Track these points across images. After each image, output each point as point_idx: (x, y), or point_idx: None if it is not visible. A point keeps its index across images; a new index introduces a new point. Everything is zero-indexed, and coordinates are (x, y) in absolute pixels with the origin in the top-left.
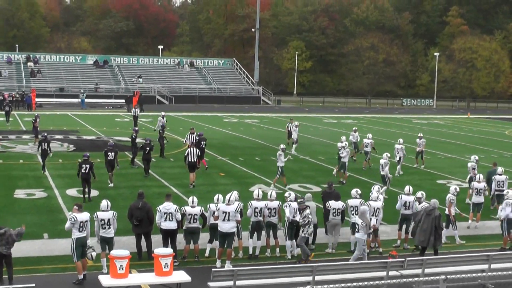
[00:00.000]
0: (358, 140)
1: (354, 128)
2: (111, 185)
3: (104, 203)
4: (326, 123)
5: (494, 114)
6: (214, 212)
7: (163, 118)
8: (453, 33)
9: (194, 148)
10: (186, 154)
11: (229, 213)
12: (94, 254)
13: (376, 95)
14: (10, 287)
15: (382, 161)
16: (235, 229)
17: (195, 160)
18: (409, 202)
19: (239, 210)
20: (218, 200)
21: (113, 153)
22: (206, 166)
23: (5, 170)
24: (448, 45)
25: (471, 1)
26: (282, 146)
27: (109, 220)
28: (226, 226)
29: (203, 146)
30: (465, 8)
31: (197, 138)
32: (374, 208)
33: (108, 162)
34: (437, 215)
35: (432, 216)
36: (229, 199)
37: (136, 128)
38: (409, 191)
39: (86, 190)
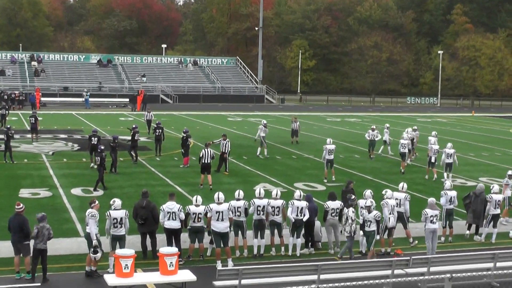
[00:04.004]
0: (377, 139)
1: (372, 126)
2: (95, 166)
3: (118, 202)
4: (330, 122)
5: (498, 112)
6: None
7: (265, 127)
8: (456, 31)
9: (209, 149)
10: (201, 156)
11: (222, 212)
12: (99, 255)
13: (380, 94)
14: (15, 286)
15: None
16: (228, 229)
17: (209, 162)
18: (453, 197)
19: (244, 209)
20: (196, 201)
21: (96, 138)
22: (188, 164)
23: (10, 169)
24: (452, 43)
25: (474, 0)
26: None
27: (121, 219)
28: (220, 226)
29: (189, 144)
30: (469, 6)
31: (184, 135)
32: (391, 206)
33: (91, 146)
34: (484, 197)
35: (481, 198)
36: (218, 197)
37: (134, 126)
38: (450, 186)
39: (95, 159)
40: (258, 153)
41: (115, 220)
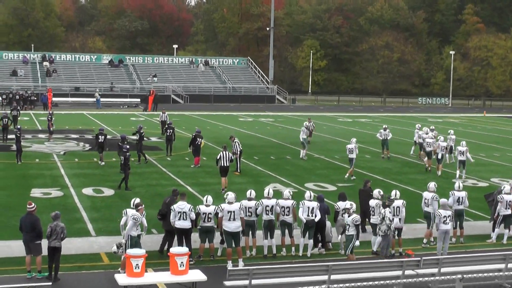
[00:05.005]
0: (389, 138)
1: (384, 126)
2: (102, 163)
3: (138, 200)
4: (341, 122)
5: (510, 113)
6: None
7: (307, 128)
8: (468, 31)
9: (227, 152)
10: (218, 158)
11: (234, 212)
12: (119, 251)
13: (391, 94)
14: (27, 285)
15: (350, 146)
16: (240, 228)
17: (228, 165)
18: (462, 197)
19: (255, 209)
20: (207, 201)
21: (103, 136)
22: (199, 164)
23: (21, 169)
24: (463, 43)
25: (485, 0)
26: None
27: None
28: (232, 226)
29: (199, 143)
30: (480, 6)
31: (194, 134)
32: (394, 208)
33: (98, 144)
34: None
35: None
36: (227, 197)
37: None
38: (459, 187)
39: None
40: (301, 155)
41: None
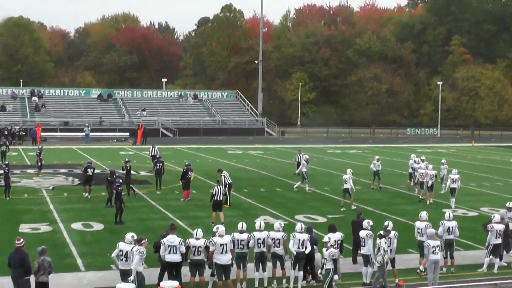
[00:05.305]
0: (380, 169)
1: (376, 157)
2: (89, 196)
3: (129, 236)
4: (330, 154)
5: (499, 142)
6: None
7: (307, 162)
8: (455, 62)
9: (221, 186)
10: (214, 193)
11: (226, 244)
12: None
13: (380, 125)
14: None
15: (345, 176)
16: (231, 261)
17: (222, 199)
18: (452, 227)
19: (247, 242)
20: (197, 234)
21: (91, 170)
22: (189, 198)
23: (10, 204)
24: (451, 74)
25: (472, 31)
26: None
27: (127, 252)
28: (224, 258)
29: (189, 177)
30: (466, 37)
31: (185, 168)
32: (387, 238)
33: (86, 177)
34: (505, 224)
35: (503, 223)
36: (218, 231)
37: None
38: (449, 217)
39: (87, 188)
40: (307, 189)
41: (121, 252)
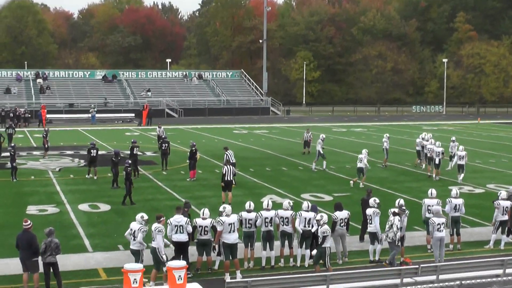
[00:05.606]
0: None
1: (386, 135)
2: (95, 177)
3: (138, 216)
4: (336, 132)
5: (504, 119)
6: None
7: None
8: (460, 39)
9: (231, 166)
10: (224, 172)
11: (233, 223)
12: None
13: (385, 103)
14: None
15: (361, 156)
16: (238, 240)
17: (232, 179)
18: (459, 205)
19: (255, 221)
20: (203, 214)
21: (95, 151)
22: (194, 178)
23: (17, 186)
24: (456, 51)
25: (477, 7)
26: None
27: (134, 231)
28: (232, 237)
29: (196, 157)
30: (471, 14)
31: (193, 148)
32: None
33: (90, 158)
34: None
35: (511, 200)
36: (225, 210)
37: (133, 140)
38: (456, 194)
39: (91, 169)
40: (324, 167)
41: (131, 231)
